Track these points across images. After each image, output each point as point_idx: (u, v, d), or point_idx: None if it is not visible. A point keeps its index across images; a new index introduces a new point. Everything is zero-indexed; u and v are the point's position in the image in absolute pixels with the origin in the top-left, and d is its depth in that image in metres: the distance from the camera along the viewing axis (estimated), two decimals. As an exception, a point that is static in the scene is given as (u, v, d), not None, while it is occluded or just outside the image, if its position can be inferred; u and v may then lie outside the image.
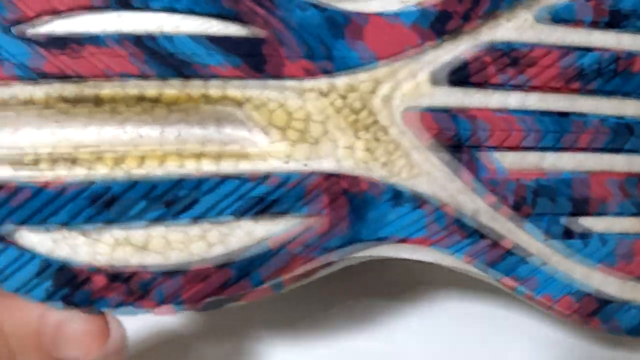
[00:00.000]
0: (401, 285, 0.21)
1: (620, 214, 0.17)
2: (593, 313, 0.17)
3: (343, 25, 0.15)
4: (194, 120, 0.16)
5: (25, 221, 0.15)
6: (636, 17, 0.17)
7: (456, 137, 0.16)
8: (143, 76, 0.15)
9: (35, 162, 0.15)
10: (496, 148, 0.17)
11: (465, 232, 0.17)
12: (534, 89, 0.17)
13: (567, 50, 0.17)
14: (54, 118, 0.15)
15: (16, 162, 0.15)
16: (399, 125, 0.16)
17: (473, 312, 0.21)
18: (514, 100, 0.17)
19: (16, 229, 0.15)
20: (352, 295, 0.21)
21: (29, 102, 0.15)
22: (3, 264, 0.15)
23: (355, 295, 0.21)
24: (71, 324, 0.15)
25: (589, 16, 0.17)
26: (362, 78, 0.16)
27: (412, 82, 0.16)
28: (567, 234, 0.17)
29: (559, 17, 0.17)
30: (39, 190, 0.15)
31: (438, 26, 0.16)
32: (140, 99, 0.15)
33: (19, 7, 0.14)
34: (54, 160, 0.15)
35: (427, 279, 0.21)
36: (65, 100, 0.15)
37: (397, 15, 0.16)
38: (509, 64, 0.16)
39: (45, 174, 0.15)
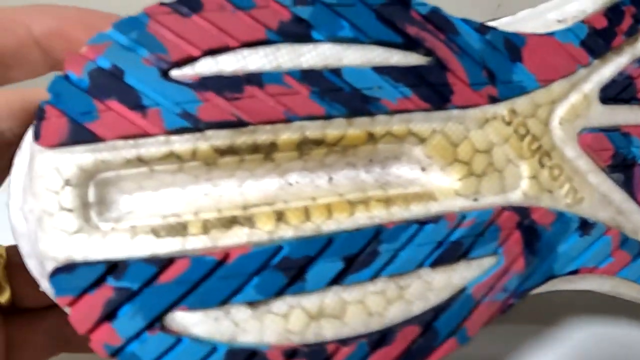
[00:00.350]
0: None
1: None
2: None
3: (520, 47, 0.14)
4: (363, 161, 0.13)
5: (201, 304, 0.11)
6: None
7: (623, 156, 0.15)
8: (319, 117, 0.12)
9: (204, 228, 0.11)
10: None
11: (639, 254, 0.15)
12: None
13: None
14: (207, 176, 0.12)
15: (178, 230, 0.11)
16: (568, 149, 0.14)
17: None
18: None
19: (184, 313, 0.11)
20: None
21: (188, 158, 0.12)
22: (178, 362, 0.11)
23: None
24: None
25: None
26: (539, 101, 0.14)
27: (578, 103, 0.14)
28: None
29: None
30: (218, 263, 0.11)
31: (601, 44, 0.14)
32: (315, 143, 0.12)
33: (183, 47, 0.11)
34: (225, 224, 0.12)
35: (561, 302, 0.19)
36: (228, 152, 0.12)
37: (566, 33, 0.14)
38: None
39: (217, 243, 0.11)
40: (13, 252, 0.15)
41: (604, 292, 0.15)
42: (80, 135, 0.11)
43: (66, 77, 0.11)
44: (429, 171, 0.14)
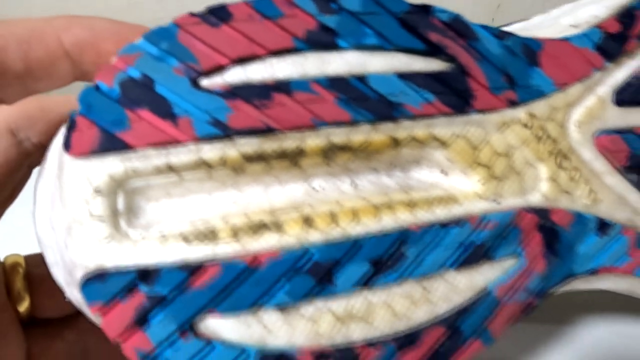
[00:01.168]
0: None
1: None
2: None
3: (537, 52, 0.14)
4: (385, 166, 0.13)
5: (229, 308, 0.11)
6: None
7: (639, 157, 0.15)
8: (345, 123, 0.12)
9: (233, 233, 0.11)
10: None
11: (658, 254, 0.15)
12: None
13: None
14: (233, 183, 0.12)
15: (208, 237, 0.11)
16: (585, 151, 0.14)
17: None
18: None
19: (214, 318, 0.11)
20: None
21: (217, 165, 0.12)
22: (210, 367, 0.11)
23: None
24: None
25: None
26: (556, 105, 0.14)
27: (594, 105, 0.15)
28: None
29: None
30: (248, 268, 0.11)
31: (615, 48, 0.15)
32: (341, 148, 0.12)
33: (212, 56, 0.11)
34: (253, 229, 0.12)
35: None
36: (256, 158, 0.12)
37: (582, 38, 0.14)
38: None
39: (246, 248, 0.11)
40: (32, 263, 0.15)
41: (619, 291, 0.15)
42: (111, 144, 0.11)
43: (97, 88, 0.11)
44: (450, 174, 0.14)
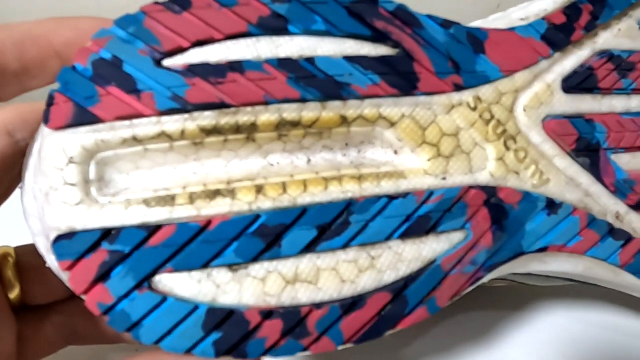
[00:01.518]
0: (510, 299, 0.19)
1: None
2: None
3: (479, 41, 0.15)
4: (339, 145, 0.14)
5: (183, 265, 0.12)
6: None
7: (588, 142, 0.15)
8: (295, 100, 0.13)
9: (190, 199, 0.12)
10: (615, 150, 0.16)
11: (608, 235, 0.15)
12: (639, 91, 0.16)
13: None
14: (195, 156, 0.13)
15: (167, 201, 0.12)
16: (533, 134, 0.15)
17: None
18: (628, 103, 0.16)
19: (170, 275, 0.12)
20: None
21: (177, 137, 0.13)
22: (164, 320, 0.12)
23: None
24: None
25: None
26: (503, 90, 0.15)
27: (541, 91, 0.15)
28: None
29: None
30: (201, 229, 0.12)
31: (560, 38, 0.15)
32: (293, 125, 0.13)
33: (174, 39, 0.12)
34: (209, 196, 0.13)
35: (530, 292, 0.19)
36: (213, 132, 0.13)
37: (524, 28, 0.15)
38: (619, 69, 0.16)
39: (201, 212, 0.12)
40: (21, 253, 0.16)
41: (578, 273, 0.16)
42: (84, 117, 0.12)
43: (73, 68, 0.13)
44: (400, 154, 0.14)
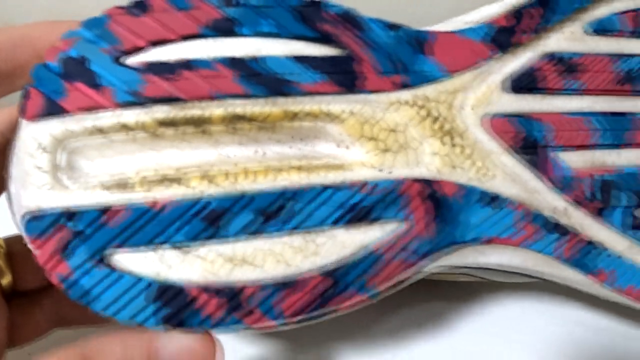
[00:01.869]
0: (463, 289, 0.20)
1: None
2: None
3: (423, 42, 0.16)
4: (288, 138, 0.15)
5: (133, 243, 0.14)
6: None
7: (532, 140, 0.16)
8: (242, 96, 0.14)
9: (142, 184, 0.14)
10: (563, 148, 0.16)
11: (549, 229, 0.16)
12: (588, 92, 0.17)
13: (614, 57, 0.17)
14: (152, 146, 0.15)
15: (123, 186, 0.14)
16: (478, 131, 0.16)
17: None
18: (574, 103, 0.17)
19: (121, 252, 0.13)
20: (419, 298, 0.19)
21: (135, 128, 0.14)
22: (115, 292, 0.13)
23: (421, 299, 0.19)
24: (189, 351, 0.13)
25: (628, 27, 0.17)
26: (441, 89, 0.16)
27: (486, 91, 0.16)
28: (635, 225, 0.16)
29: (603, 29, 0.17)
30: (152, 212, 0.13)
31: (504, 40, 0.16)
32: (241, 118, 0.14)
33: (133, 39, 0.14)
34: (160, 181, 0.14)
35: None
36: (168, 124, 0.14)
37: (467, 31, 0.16)
38: (565, 71, 0.17)
39: (151, 195, 0.14)
40: (11, 242, 0.17)
41: (515, 265, 0.16)
42: (53, 109, 0.14)
43: (45, 65, 0.14)
44: (345, 147, 0.15)
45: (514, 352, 0.18)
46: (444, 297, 0.19)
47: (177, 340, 0.13)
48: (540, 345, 0.19)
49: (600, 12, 0.17)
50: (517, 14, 0.16)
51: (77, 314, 0.19)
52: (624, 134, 0.17)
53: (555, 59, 0.17)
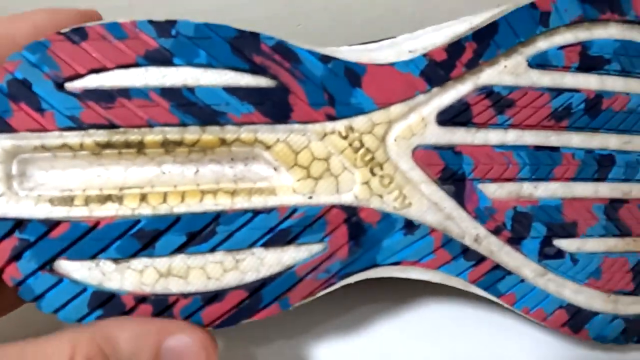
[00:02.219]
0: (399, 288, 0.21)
1: (590, 235, 0.18)
2: (581, 324, 0.18)
3: (354, 75, 0.16)
4: (226, 159, 0.16)
5: (74, 254, 0.15)
6: (604, 61, 0.18)
7: (452, 171, 0.17)
8: (177, 124, 0.15)
9: (84, 200, 0.15)
10: (481, 180, 0.17)
11: (465, 256, 0.17)
12: (517, 126, 0.17)
13: (541, 92, 0.17)
14: (98, 162, 0.16)
15: (67, 202, 0.15)
16: (401, 162, 0.17)
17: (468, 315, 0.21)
18: (499, 137, 0.17)
19: (65, 261, 0.15)
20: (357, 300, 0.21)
21: (77, 149, 0.15)
22: (59, 296, 0.15)
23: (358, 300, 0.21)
24: (190, 351, 0.15)
25: (570, 61, 0.17)
26: (376, 120, 0.16)
27: (413, 123, 0.17)
28: (549, 255, 0.18)
29: (544, 62, 0.17)
30: (90, 228, 0.15)
31: (435, 74, 0.16)
32: (177, 144, 0.15)
33: (72, 66, 0.15)
34: (100, 199, 0.15)
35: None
36: (107, 146, 0.15)
37: (407, 64, 0.16)
38: (496, 104, 0.17)
39: (90, 212, 0.15)
40: None
41: (437, 282, 0.18)
42: (2, 126, 0.15)
43: (-6, 84, 0.15)
44: (278, 172, 0.16)
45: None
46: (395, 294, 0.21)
47: (184, 336, 0.15)
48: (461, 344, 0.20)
49: (540, 45, 0.17)
50: (450, 47, 0.16)
51: None
52: (549, 168, 0.18)
53: (487, 92, 0.17)
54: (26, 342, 0.14)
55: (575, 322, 0.18)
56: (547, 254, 0.18)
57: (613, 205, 0.18)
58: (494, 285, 0.18)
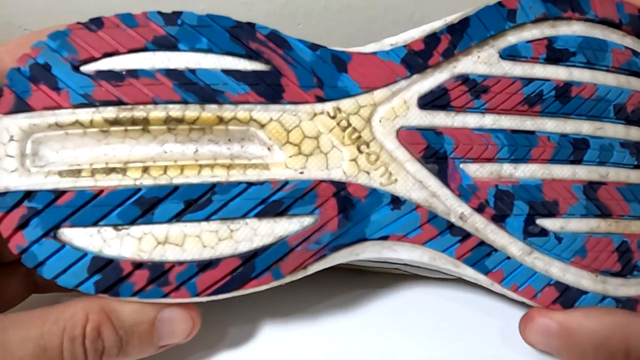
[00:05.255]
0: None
1: (571, 214, 0.18)
2: (572, 301, 0.18)
3: (346, 62, 0.17)
4: (223, 139, 0.17)
5: (78, 221, 0.16)
6: (569, 54, 0.19)
7: (435, 150, 0.18)
8: (179, 102, 0.16)
9: (92, 173, 0.16)
10: (463, 160, 0.18)
11: (451, 232, 0.18)
12: (493, 111, 0.18)
13: (514, 79, 0.18)
14: (106, 140, 0.17)
15: (74, 174, 0.16)
16: (386, 141, 0.18)
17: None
18: (477, 120, 0.18)
19: (69, 228, 0.16)
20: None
21: (88, 125, 0.16)
22: (60, 262, 0.15)
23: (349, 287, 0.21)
24: (180, 319, 0.16)
25: (538, 53, 0.19)
26: (362, 103, 0.17)
27: (396, 105, 0.18)
28: (533, 233, 0.18)
29: (514, 54, 0.18)
30: (94, 196, 0.16)
31: (415, 62, 0.18)
32: (178, 121, 0.17)
33: (89, 50, 0.16)
34: (105, 171, 0.16)
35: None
36: (115, 122, 0.16)
37: (388, 53, 0.18)
38: (473, 90, 0.18)
39: (95, 182, 0.16)
40: None
41: (425, 262, 0.18)
42: (21, 106, 0.16)
43: (17, 69, 0.16)
44: (271, 151, 0.17)
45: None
46: (372, 285, 0.21)
47: (176, 308, 0.16)
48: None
49: (510, 39, 0.18)
50: (427, 39, 0.18)
51: (51, 281, 0.21)
52: (527, 149, 0.18)
53: (463, 80, 0.18)
54: (46, 307, 0.16)
55: (565, 299, 0.18)
56: (532, 232, 0.18)
57: (592, 186, 0.19)
58: (481, 261, 0.18)
